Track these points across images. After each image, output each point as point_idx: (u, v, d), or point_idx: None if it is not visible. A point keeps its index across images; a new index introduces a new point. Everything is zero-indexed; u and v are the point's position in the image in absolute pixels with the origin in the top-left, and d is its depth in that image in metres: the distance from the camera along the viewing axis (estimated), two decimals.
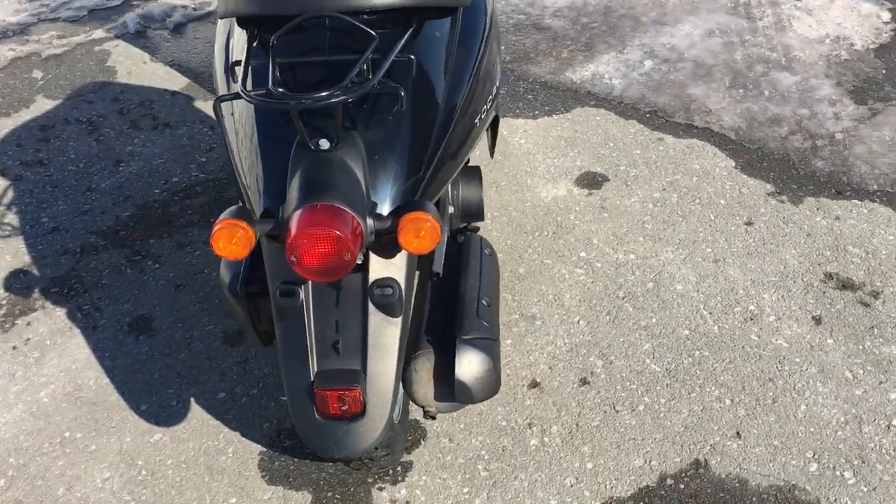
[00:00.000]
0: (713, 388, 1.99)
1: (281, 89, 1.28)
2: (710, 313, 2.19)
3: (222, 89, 1.56)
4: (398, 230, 1.31)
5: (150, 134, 3.05)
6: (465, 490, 1.80)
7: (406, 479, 1.83)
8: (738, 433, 1.88)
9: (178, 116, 3.15)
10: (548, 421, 1.93)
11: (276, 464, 1.88)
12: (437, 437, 1.91)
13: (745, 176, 2.68)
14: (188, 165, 2.87)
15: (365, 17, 1.43)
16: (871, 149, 2.77)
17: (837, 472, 1.79)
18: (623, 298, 2.25)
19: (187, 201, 2.69)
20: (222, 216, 1.30)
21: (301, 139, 1.35)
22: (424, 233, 1.29)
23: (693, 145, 2.83)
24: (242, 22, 1.53)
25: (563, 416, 1.94)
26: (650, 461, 1.84)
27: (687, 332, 2.14)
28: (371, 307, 1.38)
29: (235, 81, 1.43)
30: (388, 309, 1.39)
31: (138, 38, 3.75)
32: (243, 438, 1.94)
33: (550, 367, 2.06)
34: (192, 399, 2.04)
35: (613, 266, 2.35)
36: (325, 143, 1.34)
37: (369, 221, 1.32)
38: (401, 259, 1.39)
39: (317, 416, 1.38)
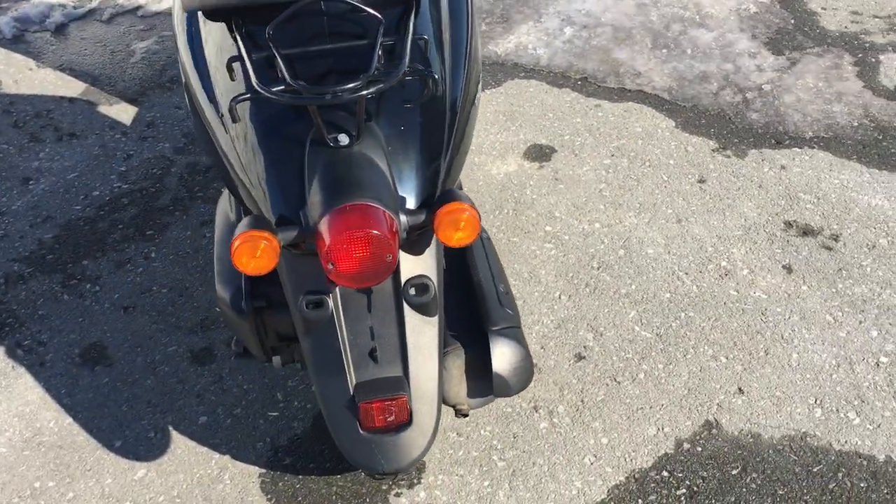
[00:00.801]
0: (706, 347, 2.00)
1: (301, 83, 1.16)
2: (686, 273, 2.20)
3: (218, 90, 1.38)
4: (435, 224, 1.22)
5: (56, 146, 2.79)
6: (486, 483, 1.74)
7: (422, 480, 1.74)
8: (740, 389, 1.90)
9: (84, 125, 2.90)
10: (552, 402, 1.89)
11: (280, 484, 1.75)
12: (443, 433, 1.83)
13: (687, 134, 2.71)
14: (107, 177, 2.64)
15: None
16: (799, 97, 2.85)
17: (841, 415, 1.84)
18: (598, 269, 2.23)
19: (115, 215, 2.48)
20: (240, 230, 1.18)
21: (318, 135, 1.23)
22: (465, 223, 1.20)
23: (630, 108, 2.84)
24: (216, 14, 1.38)
25: (567, 394, 1.90)
26: (663, 428, 1.83)
27: (668, 294, 2.14)
28: (406, 309, 1.29)
29: (234, 79, 1.29)
30: (424, 309, 1.30)
31: (17, 43, 3.43)
32: (238, 462, 1.80)
33: (542, 347, 2.02)
34: (170, 427, 1.88)
35: (581, 237, 2.32)
36: (344, 139, 1.23)
37: (402, 218, 1.22)
38: (430, 255, 1.30)
39: (361, 430, 1.28)
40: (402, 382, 1.28)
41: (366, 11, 1.27)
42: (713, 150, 2.63)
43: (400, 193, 1.26)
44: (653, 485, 1.72)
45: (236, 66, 1.28)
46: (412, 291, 1.28)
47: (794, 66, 3.01)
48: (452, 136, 1.35)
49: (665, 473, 1.74)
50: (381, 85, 1.14)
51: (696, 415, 1.85)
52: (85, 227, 2.44)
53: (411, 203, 1.26)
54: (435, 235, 1.24)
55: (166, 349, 2.06)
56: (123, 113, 2.95)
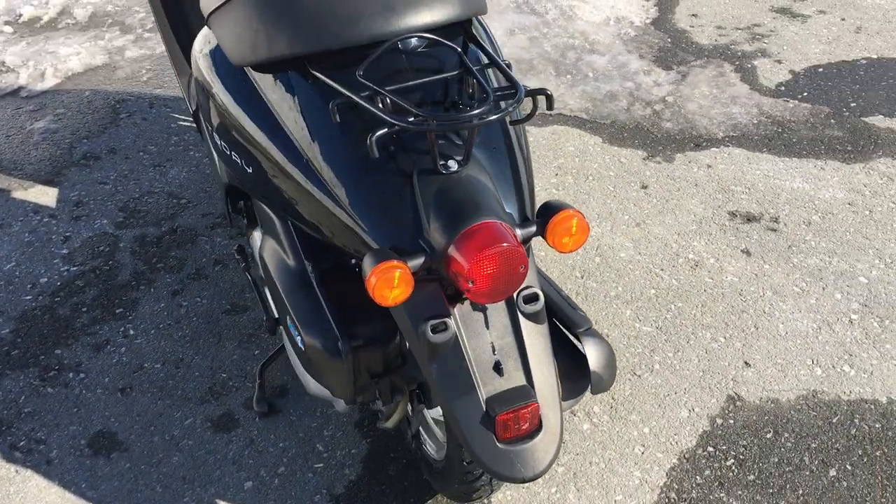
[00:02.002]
0: (703, 331, 2.16)
1: (429, 113, 1.20)
2: (662, 270, 2.37)
3: (297, 135, 1.37)
4: (547, 234, 1.28)
5: None
6: (553, 490, 1.79)
7: (491, 499, 1.77)
8: (746, 363, 2.07)
9: (2, 213, 2.71)
10: (586, 404, 1.98)
11: None
12: None
13: (616, 148, 2.91)
14: (50, 262, 2.49)
15: (434, 33, 1.38)
16: (700, 104, 3.14)
17: (838, 370, 2.04)
18: (582, 277, 2.35)
19: (74, 299, 2.34)
20: (371, 266, 1.19)
21: (427, 164, 1.27)
22: (576, 229, 1.28)
23: (557, 131, 3.02)
24: (274, 67, 1.39)
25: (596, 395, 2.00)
26: (693, 409, 1.96)
27: (653, 291, 2.30)
28: (521, 319, 1.34)
29: (337, 121, 1.29)
30: (535, 318, 1.35)
31: None
32: None
33: None
34: (216, 500, 1.80)
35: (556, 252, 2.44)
36: (453, 165, 1.27)
37: (518, 231, 1.28)
38: (532, 266, 1.37)
39: (498, 443, 1.31)
40: (529, 390, 1.32)
41: (443, 44, 1.33)
42: (644, 159, 2.84)
43: (507, 209, 1.32)
44: (703, 461, 1.84)
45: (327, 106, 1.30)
46: (523, 302, 1.33)
47: (686, 79, 3.31)
48: (529, 151, 1.43)
49: (710, 449, 1.86)
50: (513, 106, 1.21)
51: (717, 392, 1.99)
52: (44, 315, 2.29)
53: (517, 217, 1.33)
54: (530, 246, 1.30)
55: (183, 423, 1.97)
56: (43, 196, 2.79)
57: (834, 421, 1.91)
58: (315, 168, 1.34)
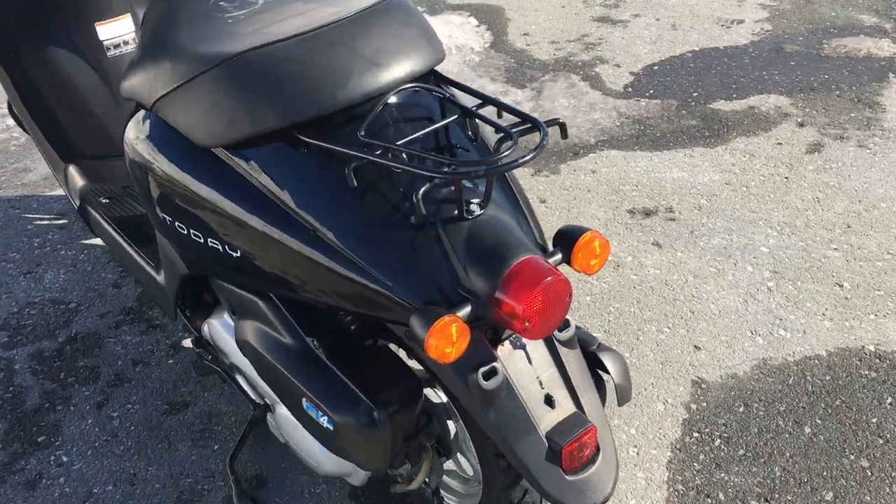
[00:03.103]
0: (648, 325, 2.26)
1: (453, 161, 1.18)
2: (590, 276, 2.45)
3: (305, 210, 1.28)
4: (573, 259, 1.30)
5: None
6: None
7: None
8: (695, 346, 2.18)
9: None
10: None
11: None
12: None
13: None
14: None
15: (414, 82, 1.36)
16: (564, 115, 3.29)
17: (776, 335, 2.20)
18: None
19: None
20: (425, 326, 1.15)
21: (450, 212, 1.25)
22: (600, 249, 1.30)
23: None
24: (269, 138, 1.31)
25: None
26: (667, 401, 2.04)
27: (589, 298, 2.37)
28: (559, 348, 1.34)
29: (355, 185, 1.23)
30: (570, 344, 1.36)
31: None
32: None
33: None
34: None
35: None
36: (475, 208, 1.26)
37: (550, 261, 1.28)
38: None
39: (566, 476, 1.30)
40: (582, 416, 1.32)
41: (424, 92, 1.32)
42: (533, 175, 2.94)
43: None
44: (694, 447, 1.92)
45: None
46: (558, 330, 1.33)
47: (542, 94, 3.46)
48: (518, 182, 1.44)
49: (696, 434, 1.95)
50: (545, 141, 1.20)
51: (681, 379, 2.09)
52: None
53: (540, 249, 1.33)
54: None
55: None
56: None
57: (790, 382, 2.06)
58: (324, 237, 1.27)
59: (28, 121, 2.24)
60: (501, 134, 1.25)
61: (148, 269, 1.90)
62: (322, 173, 1.28)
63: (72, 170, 2.30)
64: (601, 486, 1.32)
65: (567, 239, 1.30)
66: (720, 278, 2.39)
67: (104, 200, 2.25)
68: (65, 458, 1.99)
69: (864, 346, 2.13)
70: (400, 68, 1.32)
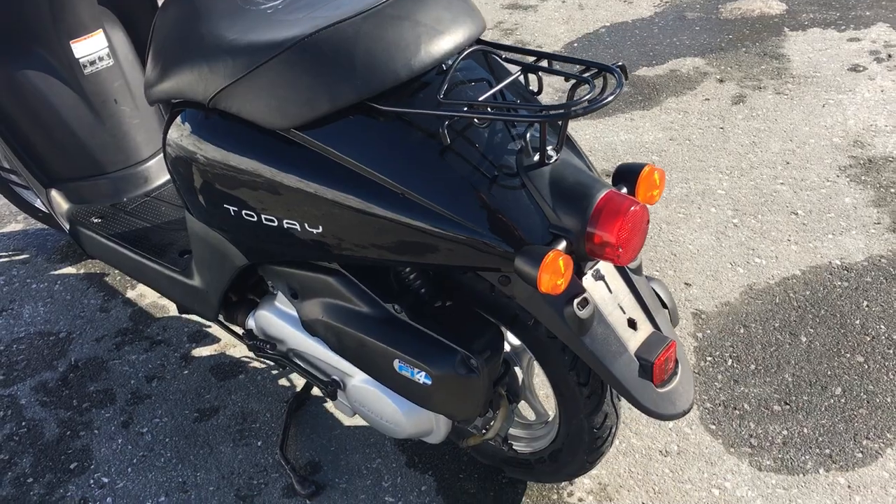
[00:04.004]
0: None
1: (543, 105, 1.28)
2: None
3: (386, 172, 1.34)
4: (637, 191, 1.43)
5: None
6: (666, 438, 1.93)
7: None
8: (686, 283, 2.37)
9: None
10: None
11: None
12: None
13: None
14: None
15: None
16: None
17: (753, 263, 2.41)
18: None
19: (10, 474, 2.02)
20: (534, 263, 1.24)
21: (530, 159, 1.35)
22: (660, 180, 1.44)
23: None
24: (344, 113, 1.37)
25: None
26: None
27: None
28: (631, 275, 1.47)
29: (448, 142, 1.31)
30: (638, 270, 1.49)
31: None
32: None
33: None
34: None
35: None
36: (553, 154, 1.37)
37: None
38: None
39: (657, 389, 1.43)
40: (661, 334, 1.45)
41: (492, 51, 1.42)
42: None
43: None
44: (710, 370, 2.09)
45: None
46: None
47: None
48: None
49: (709, 358, 2.12)
50: (621, 88, 1.32)
51: (682, 313, 2.26)
52: None
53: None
54: None
55: None
56: None
57: (777, 301, 2.27)
58: (414, 199, 1.34)
59: (3, 147, 2.18)
60: (573, 81, 1.36)
61: (176, 276, 1.91)
62: (404, 139, 1.36)
63: (54, 194, 2.25)
64: (686, 394, 1.46)
65: (628, 174, 1.42)
66: (690, 222, 2.59)
67: (97, 220, 2.22)
68: (105, 480, 1.97)
69: (830, 262, 2.37)
70: (459, 34, 1.41)
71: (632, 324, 1.43)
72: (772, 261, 2.40)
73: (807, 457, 1.83)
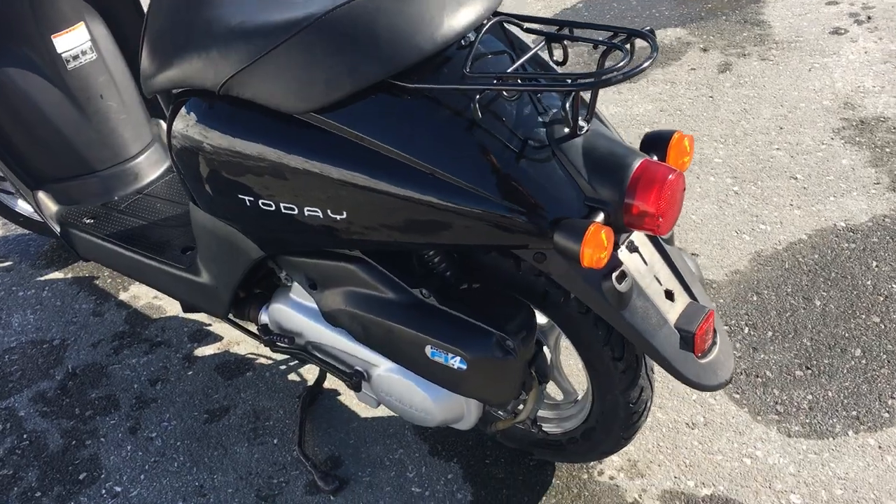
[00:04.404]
0: None
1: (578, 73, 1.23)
2: None
3: (421, 153, 1.29)
4: (668, 158, 1.39)
5: None
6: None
7: None
8: (693, 253, 2.35)
9: None
10: None
11: None
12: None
13: None
14: None
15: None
16: None
17: (757, 230, 2.40)
18: None
19: (16, 489, 1.94)
20: (575, 237, 1.20)
21: (560, 132, 1.30)
22: (689, 147, 1.40)
23: None
24: (366, 93, 1.32)
25: None
26: None
27: None
28: (664, 245, 1.44)
29: (481, 116, 1.26)
30: (670, 241, 1.46)
31: None
32: None
33: None
34: None
35: None
36: (583, 124, 1.32)
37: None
38: None
39: (699, 359, 1.40)
40: (699, 304, 1.42)
41: (514, 21, 1.37)
42: None
43: None
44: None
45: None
46: None
47: None
48: None
49: (725, 327, 2.10)
50: (656, 54, 1.27)
51: None
52: None
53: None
54: None
55: None
56: None
57: (787, 267, 2.25)
58: (444, 177, 1.29)
59: None
60: (602, 48, 1.32)
61: (181, 273, 1.84)
62: (430, 116, 1.30)
63: (42, 196, 2.16)
64: (727, 364, 1.43)
65: (657, 142, 1.38)
66: (690, 191, 2.57)
67: (88, 221, 2.13)
68: (118, 489, 1.90)
69: (835, 224, 2.37)
70: (479, 5, 1.36)
71: (669, 295, 1.40)
72: (776, 226, 2.38)
73: (834, 420, 1.82)
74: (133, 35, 2.19)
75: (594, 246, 1.20)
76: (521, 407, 1.62)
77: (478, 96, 1.24)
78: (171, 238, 1.98)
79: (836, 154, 2.64)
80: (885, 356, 1.94)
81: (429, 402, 1.57)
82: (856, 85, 2.98)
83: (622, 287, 1.32)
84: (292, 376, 2.12)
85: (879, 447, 1.75)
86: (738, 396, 1.90)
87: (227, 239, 1.60)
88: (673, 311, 1.39)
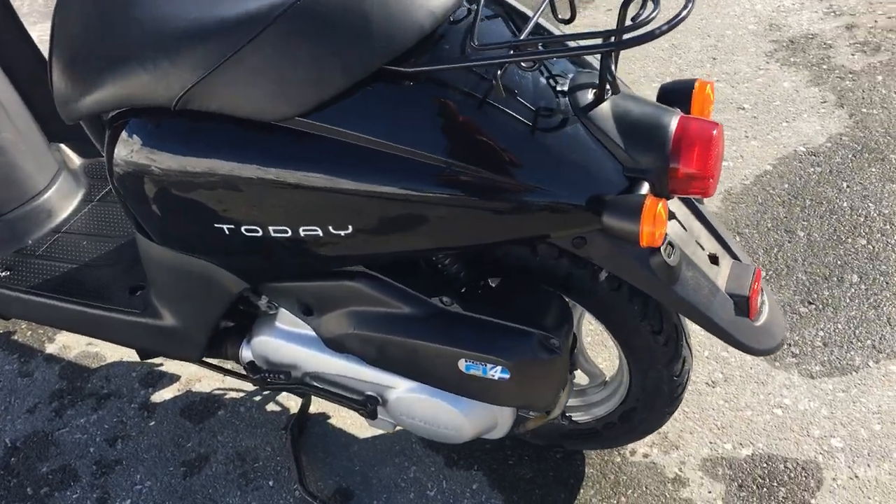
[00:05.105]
0: None
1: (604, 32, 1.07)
2: None
3: (427, 145, 1.10)
4: (692, 109, 1.26)
5: None
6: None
7: None
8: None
9: None
10: None
11: None
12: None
13: None
14: None
15: None
16: None
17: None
18: None
19: None
20: (633, 215, 1.06)
21: (585, 100, 1.15)
22: (710, 93, 1.27)
23: None
24: (361, 85, 1.12)
25: None
26: None
27: None
28: (700, 208, 1.32)
29: (503, 94, 1.08)
30: (700, 200, 1.34)
31: None
32: None
33: None
34: None
35: None
36: (608, 88, 1.17)
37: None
38: None
39: (753, 323, 1.29)
40: (741, 263, 1.31)
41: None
42: None
43: None
44: None
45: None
46: None
47: None
48: None
49: None
50: (693, 4, 1.12)
51: None
52: None
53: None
54: None
55: None
56: None
57: (760, 201, 2.19)
58: (466, 170, 1.12)
59: None
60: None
61: (136, 319, 1.59)
62: (438, 102, 1.12)
63: None
64: (779, 322, 1.33)
65: (679, 94, 1.25)
66: None
67: (3, 273, 1.84)
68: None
69: (796, 150, 2.32)
70: None
71: (713, 259, 1.29)
72: (738, 161, 2.32)
73: (852, 353, 1.77)
74: (12, 45, 1.88)
75: (653, 223, 1.07)
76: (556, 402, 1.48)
77: (499, 71, 1.07)
78: (109, 280, 1.72)
79: (775, 78, 2.59)
80: (882, 278, 1.90)
81: (459, 418, 1.40)
82: (776, 4, 2.94)
83: (672, 260, 1.19)
84: (271, 406, 1.91)
85: None
86: None
87: (196, 273, 1.38)
88: (721, 276, 1.28)
